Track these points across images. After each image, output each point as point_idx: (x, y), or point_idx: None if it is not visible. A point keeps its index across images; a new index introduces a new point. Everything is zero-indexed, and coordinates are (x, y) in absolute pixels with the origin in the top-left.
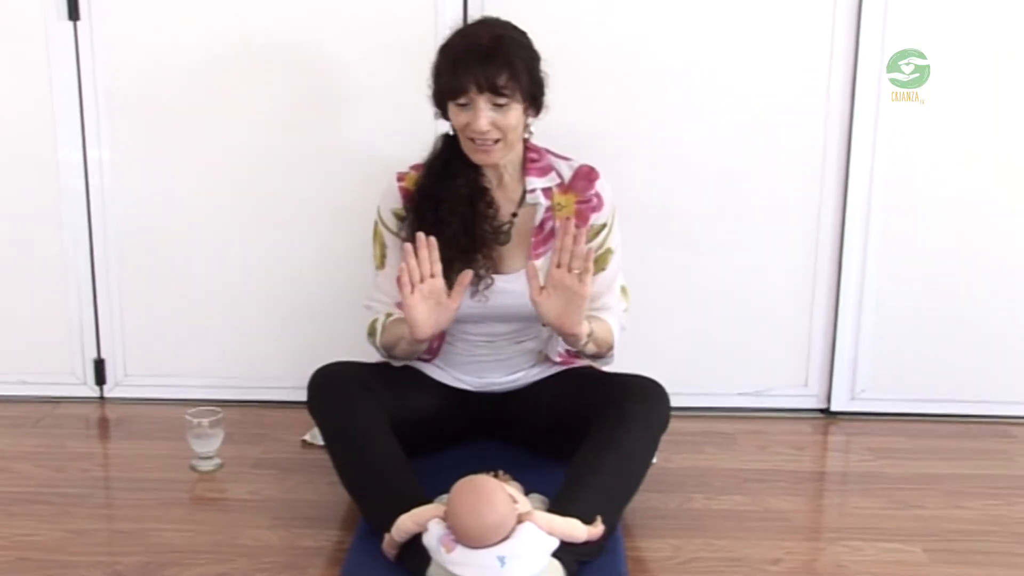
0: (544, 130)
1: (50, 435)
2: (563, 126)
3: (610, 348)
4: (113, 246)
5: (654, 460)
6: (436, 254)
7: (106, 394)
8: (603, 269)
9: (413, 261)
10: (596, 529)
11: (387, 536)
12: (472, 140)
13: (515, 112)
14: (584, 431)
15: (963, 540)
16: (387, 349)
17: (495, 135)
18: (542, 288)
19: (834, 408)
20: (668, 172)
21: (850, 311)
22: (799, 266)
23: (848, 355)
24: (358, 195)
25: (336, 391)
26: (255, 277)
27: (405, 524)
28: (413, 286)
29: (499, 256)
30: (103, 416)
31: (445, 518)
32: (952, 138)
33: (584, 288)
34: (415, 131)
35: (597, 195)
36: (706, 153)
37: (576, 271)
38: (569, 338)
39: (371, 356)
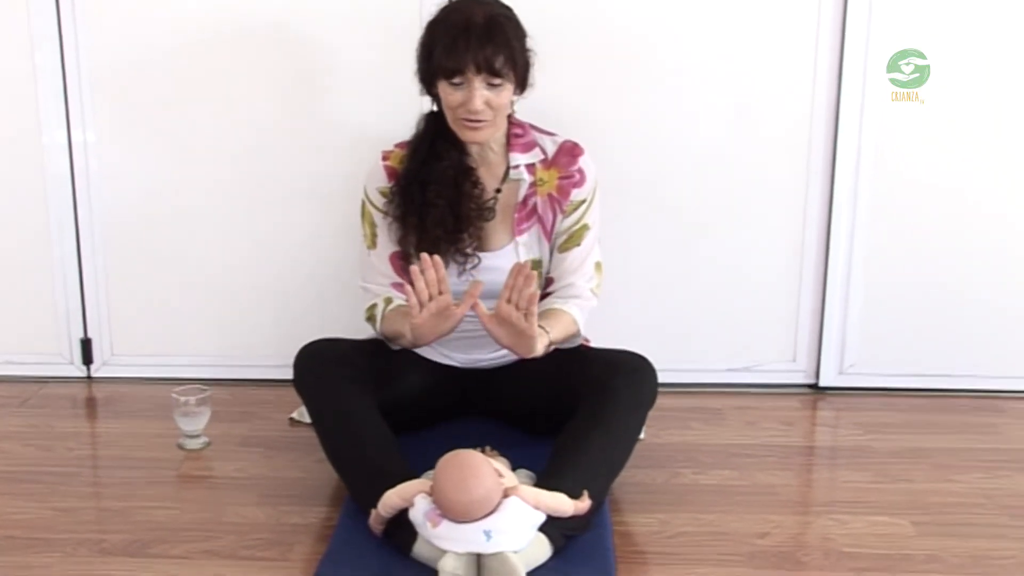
0: (532, 105)
1: (37, 415)
2: (551, 100)
3: (575, 335)
4: (99, 226)
5: (642, 436)
6: (443, 272)
7: (93, 374)
8: (577, 245)
9: (421, 284)
10: (583, 504)
11: (374, 512)
12: (463, 119)
13: (507, 92)
14: (572, 407)
15: (951, 513)
16: (387, 339)
17: (488, 115)
18: (492, 315)
19: (823, 383)
20: (657, 148)
21: (838, 285)
22: (787, 240)
23: (836, 330)
24: (346, 173)
25: (322, 368)
26: (243, 256)
27: (391, 500)
28: (421, 306)
29: (484, 233)
30: (90, 396)
31: (431, 493)
32: (941, 117)
33: (531, 328)
34: (402, 108)
35: (580, 171)
36: (695, 130)
37: (522, 311)
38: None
39: (358, 333)
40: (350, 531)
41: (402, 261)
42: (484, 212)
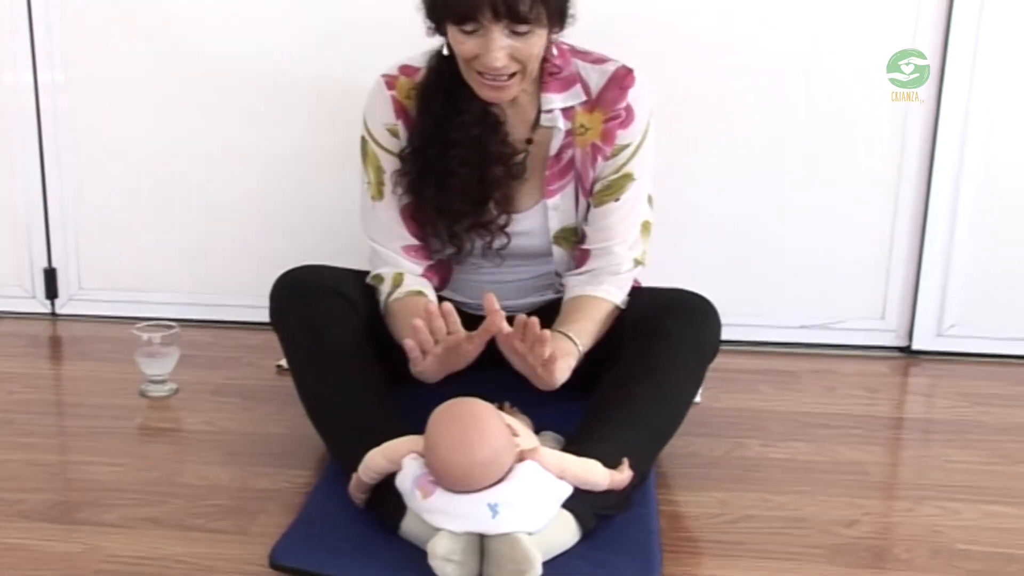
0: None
1: None
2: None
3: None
4: (66, 140)
5: (697, 399)
6: (455, 318)
7: (58, 310)
8: (615, 199)
9: (427, 335)
10: (622, 475)
11: (354, 476)
12: (480, 74)
13: (538, 38)
14: (613, 357)
15: None
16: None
17: (512, 68)
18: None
19: (916, 346)
20: (730, 67)
21: (940, 230)
22: (879, 175)
23: (935, 283)
24: (344, 78)
25: (304, 298)
26: (226, 178)
27: (375, 461)
28: (425, 353)
29: (511, 194)
30: (53, 335)
31: (423, 453)
32: None
33: (552, 378)
34: None
35: (628, 108)
36: (777, 50)
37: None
38: None
39: (356, 262)
40: (325, 501)
41: (417, 216)
42: (514, 171)
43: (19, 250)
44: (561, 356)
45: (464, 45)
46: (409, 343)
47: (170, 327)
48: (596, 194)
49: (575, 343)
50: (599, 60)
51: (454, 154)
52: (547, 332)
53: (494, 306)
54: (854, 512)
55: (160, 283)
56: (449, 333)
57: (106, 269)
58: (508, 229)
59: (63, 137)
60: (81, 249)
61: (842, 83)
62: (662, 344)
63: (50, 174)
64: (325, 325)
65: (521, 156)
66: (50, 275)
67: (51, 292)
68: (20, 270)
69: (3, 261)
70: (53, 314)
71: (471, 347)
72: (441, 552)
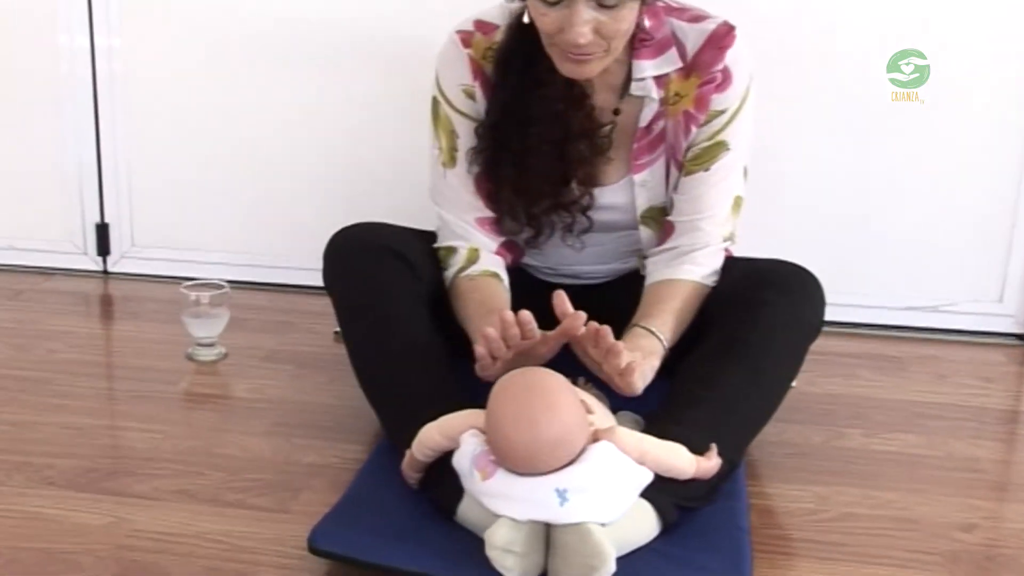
0: None
1: (28, 310)
2: None
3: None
4: (120, 92)
5: (793, 383)
6: (532, 326)
7: (110, 268)
8: (704, 168)
9: (499, 344)
10: (710, 463)
11: (408, 454)
12: (563, 50)
13: (629, 12)
14: (702, 332)
15: None
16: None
17: (598, 46)
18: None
19: None
20: (836, 26)
21: None
22: (1001, 139)
23: None
24: (411, 34)
25: (360, 257)
26: (286, 136)
27: (430, 437)
28: (496, 359)
29: (594, 172)
30: (104, 293)
31: (484, 430)
32: None
33: (630, 389)
34: None
35: (725, 71)
36: (887, 10)
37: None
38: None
39: (418, 222)
40: (375, 480)
41: (491, 184)
42: (599, 146)
43: (71, 204)
44: (644, 358)
45: (545, 18)
46: (480, 351)
47: (220, 287)
48: (686, 163)
49: (659, 339)
50: (697, 17)
51: (534, 131)
52: (620, 344)
53: (567, 307)
54: (972, 515)
55: (216, 242)
56: (524, 338)
57: (160, 226)
58: (591, 204)
59: (118, 97)
60: (135, 205)
61: (959, 43)
62: (759, 319)
63: (104, 131)
64: (382, 287)
65: (608, 128)
66: (102, 231)
67: (103, 249)
68: (71, 225)
69: (54, 216)
70: (105, 272)
71: (544, 350)
72: (500, 542)
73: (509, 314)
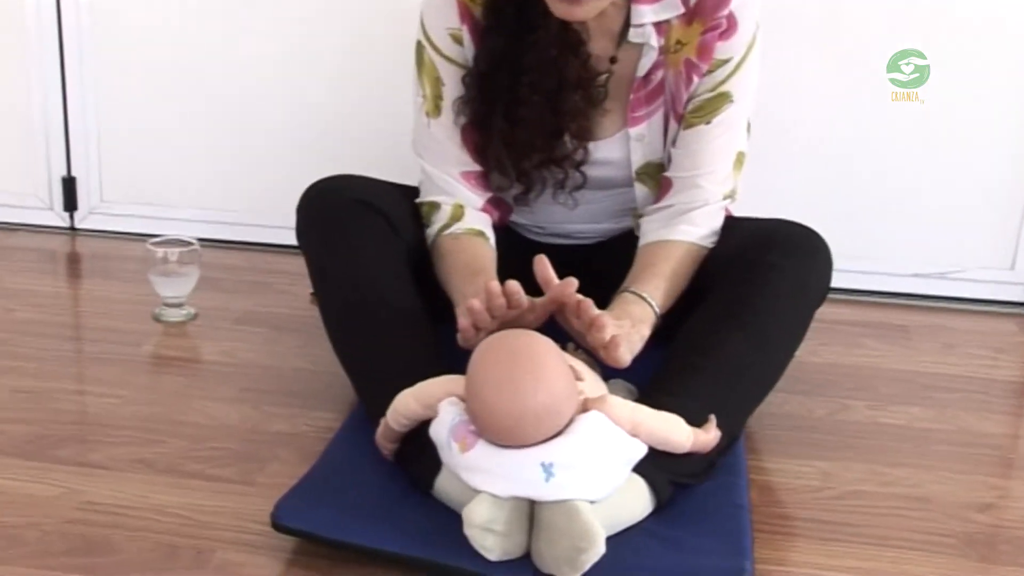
0: None
1: None
2: None
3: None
4: (89, 45)
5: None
6: (520, 297)
7: (77, 224)
8: (705, 121)
9: (484, 315)
10: (708, 435)
11: (382, 423)
12: None
13: None
14: (701, 296)
15: None
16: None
17: None
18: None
19: None
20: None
21: None
22: (1016, 96)
23: None
24: None
25: (334, 211)
26: (261, 87)
27: (406, 404)
28: (479, 330)
29: (588, 124)
30: (71, 251)
31: (464, 397)
32: None
33: (616, 361)
34: None
35: (730, 17)
36: None
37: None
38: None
39: (401, 177)
40: (348, 451)
41: (479, 136)
42: (594, 97)
43: (36, 157)
44: (633, 326)
45: None
46: (463, 322)
47: (189, 243)
48: (686, 115)
49: (650, 305)
50: None
51: (525, 80)
52: (604, 317)
53: (550, 275)
54: (988, 494)
55: (189, 198)
56: (510, 308)
57: (131, 181)
58: (584, 159)
59: (86, 44)
60: (104, 158)
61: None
62: (762, 282)
63: (71, 80)
64: (358, 245)
65: (604, 77)
66: (69, 184)
67: (70, 204)
68: (36, 178)
69: (18, 169)
70: (72, 228)
71: (532, 318)
72: (479, 520)
73: (495, 284)
